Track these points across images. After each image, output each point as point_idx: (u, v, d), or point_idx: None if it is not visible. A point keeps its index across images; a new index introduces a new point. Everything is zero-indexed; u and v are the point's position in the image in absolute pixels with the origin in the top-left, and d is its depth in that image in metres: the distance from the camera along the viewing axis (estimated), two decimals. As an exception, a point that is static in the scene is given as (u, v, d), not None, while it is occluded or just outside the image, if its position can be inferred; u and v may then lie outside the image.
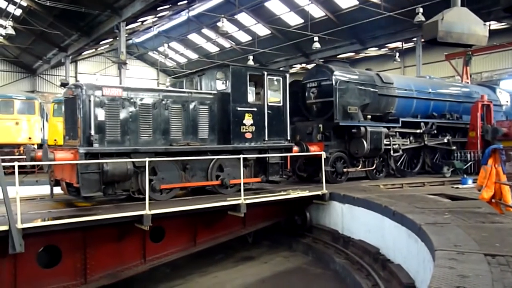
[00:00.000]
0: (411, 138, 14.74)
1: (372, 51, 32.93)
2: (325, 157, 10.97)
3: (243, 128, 10.52)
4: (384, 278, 7.49)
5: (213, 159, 9.97)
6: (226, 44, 36.00)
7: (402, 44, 29.58)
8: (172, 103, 9.77)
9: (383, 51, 32.64)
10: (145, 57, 44.95)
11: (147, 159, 8.10)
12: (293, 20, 29.37)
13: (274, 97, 11.29)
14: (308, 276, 9.22)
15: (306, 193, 10.38)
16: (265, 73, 11.07)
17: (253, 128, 10.69)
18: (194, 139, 10.04)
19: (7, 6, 28.12)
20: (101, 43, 33.81)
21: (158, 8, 26.33)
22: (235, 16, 27.78)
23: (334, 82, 12.53)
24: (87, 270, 7.76)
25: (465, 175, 13.37)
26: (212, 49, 37.66)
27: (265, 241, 11.50)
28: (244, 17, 30.44)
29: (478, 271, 4.27)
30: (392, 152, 13.75)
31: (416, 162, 15.43)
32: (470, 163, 14.57)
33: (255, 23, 31.02)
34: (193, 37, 36.82)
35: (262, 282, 9.02)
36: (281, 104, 11.29)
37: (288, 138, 11.44)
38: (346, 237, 9.76)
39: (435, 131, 15.22)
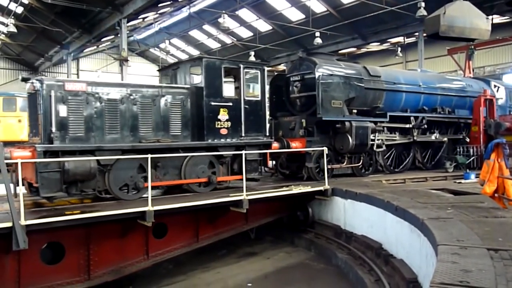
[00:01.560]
0: (400, 133, 14.23)
1: (374, 46, 32.83)
2: (311, 152, 10.76)
3: (218, 124, 10.05)
4: (387, 273, 7.49)
5: (187, 156, 9.53)
6: (227, 40, 35.92)
7: (404, 39, 29.47)
8: (141, 98, 9.32)
9: (385, 46, 32.54)
10: (146, 54, 44.90)
11: (149, 156, 8.05)
12: (295, 15, 29.27)
13: (252, 91, 10.92)
14: (311, 271, 9.23)
15: (308, 189, 10.37)
16: (241, 66, 10.65)
17: (229, 123, 10.21)
18: (166, 136, 9.57)
19: (8, 4, 28.11)
20: (102, 40, 33.76)
21: (159, 5, 26.32)
22: (236, 12, 27.70)
23: (317, 76, 12.08)
24: (91, 267, 7.79)
25: (467, 170, 13.34)
26: (214, 45, 37.60)
27: (268, 236, 11.51)
28: (245, 13, 30.36)
29: (481, 266, 4.27)
30: (375, 147, 13.20)
31: (406, 158, 14.84)
32: (473, 157, 14.51)
33: (256, 18, 30.93)
34: (194, 33, 36.75)
35: (265, 277, 9.04)
36: (259, 98, 10.83)
37: (267, 133, 11.08)
38: (348, 233, 9.76)
39: (426, 126, 14.70)
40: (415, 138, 14.48)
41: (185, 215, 8.92)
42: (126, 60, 22.73)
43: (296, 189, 10.25)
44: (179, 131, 9.81)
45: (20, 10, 27.99)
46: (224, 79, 10.87)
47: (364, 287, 7.50)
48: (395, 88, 14.19)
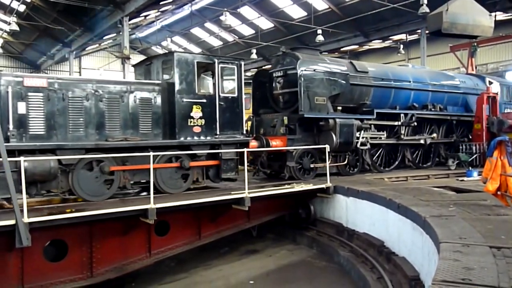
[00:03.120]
0: (389, 131, 13.78)
1: (376, 44, 32.74)
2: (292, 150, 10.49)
3: (190, 122, 9.62)
4: (389, 271, 7.49)
5: (158, 155, 9.07)
6: (229, 37, 35.88)
7: (406, 36, 29.38)
8: (107, 95, 8.94)
9: (387, 43, 32.44)
10: (148, 52, 44.77)
11: (151, 154, 8.05)
12: (296, 13, 29.21)
13: (228, 87, 10.48)
14: (313, 269, 9.24)
15: (310, 187, 10.38)
16: (216, 61, 10.19)
17: (203, 121, 9.79)
18: (135, 134, 9.17)
19: (11, 2, 28.15)
20: (104, 38, 33.80)
21: (161, 3, 26.30)
22: (238, 10, 27.66)
23: (299, 71, 11.61)
24: (93, 264, 7.83)
25: (470, 168, 13.32)
26: (215, 43, 37.56)
27: (270, 234, 11.52)
28: (247, 11, 30.32)
29: (483, 264, 4.26)
30: (359, 145, 12.62)
31: (395, 156, 14.37)
32: (476, 155, 14.48)
33: (258, 16, 30.87)
34: (196, 31, 36.71)
35: (267, 275, 9.05)
36: (235, 95, 10.40)
37: (244, 131, 10.67)
38: (350, 230, 9.76)
39: (415, 124, 14.17)
40: (402, 137, 13.98)
41: (187, 212, 8.93)
42: (128, 58, 22.80)
43: (298, 187, 10.25)
44: (149, 129, 9.41)
45: (22, 8, 28.01)
46: (204, 75, 10.69)
47: (366, 285, 7.50)
48: (383, 84, 13.73)
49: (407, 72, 15.10)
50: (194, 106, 9.72)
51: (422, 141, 14.57)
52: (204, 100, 9.90)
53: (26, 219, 6.47)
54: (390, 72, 14.30)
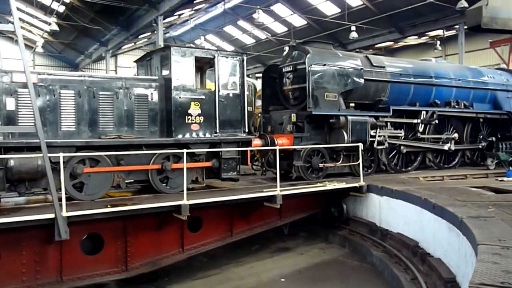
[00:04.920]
0: (406, 129, 13.04)
1: (412, 40, 31.97)
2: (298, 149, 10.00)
3: (188, 119, 9.23)
4: (424, 272, 7.33)
5: (155, 154, 8.79)
6: (262, 35, 35.90)
7: (443, 32, 28.56)
8: (101, 91, 8.70)
9: (423, 39, 31.63)
10: (182, 50, 45.48)
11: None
12: (330, 9, 28.91)
13: (229, 83, 10.02)
14: (345, 268, 9.16)
15: (343, 185, 10.26)
16: (216, 55, 9.77)
17: (201, 118, 9.39)
18: (130, 131, 8.90)
19: (51, 3, 29.17)
20: (139, 37, 34.53)
21: (195, 1, 26.64)
22: (271, 7, 27.66)
23: (307, 66, 11.07)
24: (128, 258, 8.01)
25: (510, 168, 12.84)
26: (248, 40, 37.68)
27: (301, 232, 11.49)
28: (280, 8, 30.25)
29: (524, 267, 4.11)
30: (376, 144, 11.99)
31: (415, 156, 13.51)
32: (516, 154, 13.92)
33: (291, 13, 30.76)
34: (229, 29, 36.93)
35: (299, 273, 9.02)
36: (237, 91, 9.97)
37: (246, 130, 10.16)
38: (383, 230, 9.60)
39: (436, 121, 13.34)
40: (419, 135, 13.21)
41: (219, 209, 9.02)
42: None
43: (331, 185, 10.16)
44: (145, 127, 9.14)
45: (62, 9, 29.00)
46: (210, 71, 10.38)
47: (400, 286, 7.37)
48: (402, 80, 13.00)
49: (429, 66, 14.30)
50: (192, 103, 9.33)
51: (445, 147, 13.67)
52: (203, 97, 9.52)
53: (64, 213, 6.69)
54: (410, 67, 13.63)
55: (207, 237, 9.03)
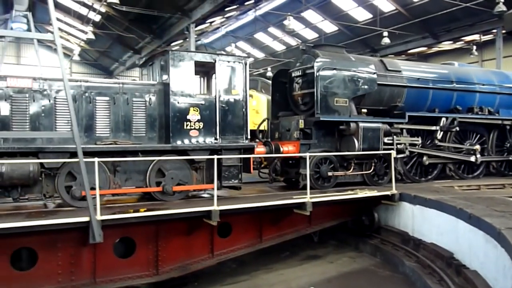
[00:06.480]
0: (423, 136, 12.37)
1: (446, 45, 31.22)
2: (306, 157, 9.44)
3: (187, 125, 9.03)
4: (459, 284, 7.11)
5: (153, 160, 8.59)
6: (292, 42, 35.90)
7: (480, 37, 27.78)
8: (97, 96, 8.60)
9: (458, 44, 30.83)
10: (213, 57, 46.02)
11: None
12: (361, 15, 28.63)
13: (230, 88, 9.77)
14: (376, 278, 8.98)
15: (374, 193, 10.09)
16: (217, 59, 9.53)
17: (201, 124, 9.16)
18: (127, 137, 8.76)
19: (88, 13, 30.17)
20: (172, 44, 35.11)
21: (226, 9, 26.92)
22: (302, 14, 27.64)
23: (316, 70, 10.73)
24: (159, 262, 8.12)
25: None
26: (279, 47, 37.75)
27: (331, 240, 11.35)
28: (310, 14, 30.17)
29: None
30: (395, 153, 11.20)
31: (434, 165, 12.72)
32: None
33: (322, 19, 30.62)
34: (260, 36, 37.10)
35: (328, 281, 8.92)
36: (239, 97, 9.71)
37: (249, 136, 9.86)
38: (416, 240, 9.37)
39: (457, 129, 12.59)
40: (437, 142, 12.47)
41: (249, 215, 9.04)
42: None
43: (362, 193, 10.01)
44: (143, 132, 8.99)
45: (98, 18, 29.94)
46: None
47: (434, 298, 7.18)
48: (419, 85, 12.43)
49: (450, 71, 13.56)
50: (192, 108, 9.11)
51: (472, 159, 12.89)
52: (203, 102, 9.29)
53: (99, 217, 6.86)
54: (429, 71, 13.10)
55: (237, 243, 9.06)
